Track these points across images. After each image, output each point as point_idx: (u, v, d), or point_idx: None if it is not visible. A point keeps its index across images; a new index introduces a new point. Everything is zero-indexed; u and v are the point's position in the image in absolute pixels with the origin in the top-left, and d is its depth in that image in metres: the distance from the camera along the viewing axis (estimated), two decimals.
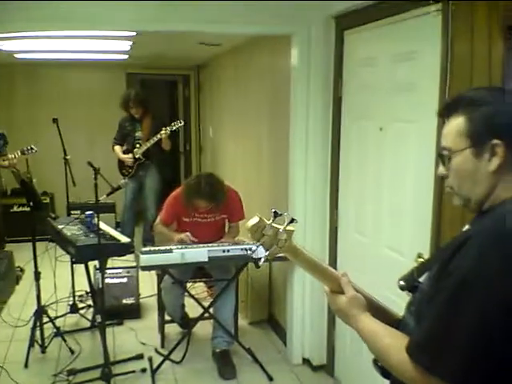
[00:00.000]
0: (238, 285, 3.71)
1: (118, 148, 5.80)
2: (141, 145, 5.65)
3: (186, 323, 3.84)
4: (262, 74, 4.33)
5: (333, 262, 3.22)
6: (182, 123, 5.58)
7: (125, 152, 5.75)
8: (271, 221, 1.21)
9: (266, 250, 1.22)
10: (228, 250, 3.27)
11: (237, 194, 3.76)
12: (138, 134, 5.73)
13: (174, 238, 3.57)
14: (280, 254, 1.26)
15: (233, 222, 3.79)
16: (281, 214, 1.23)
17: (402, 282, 1.27)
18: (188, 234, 3.51)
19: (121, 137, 5.81)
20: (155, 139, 5.51)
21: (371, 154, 2.78)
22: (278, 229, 1.21)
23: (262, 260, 1.25)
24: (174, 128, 5.49)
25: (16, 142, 5.52)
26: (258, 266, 3.37)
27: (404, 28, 2.43)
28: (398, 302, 1.39)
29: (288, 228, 1.22)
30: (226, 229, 3.86)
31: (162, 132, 5.43)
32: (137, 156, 5.65)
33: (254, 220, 1.21)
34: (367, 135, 2.81)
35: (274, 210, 1.22)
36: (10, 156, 5.19)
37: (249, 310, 4.12)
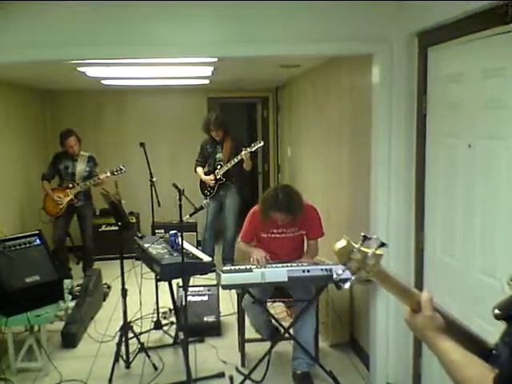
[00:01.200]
0: (318, 306, 3.66)
1: (200, 169, 6.00)
2: (222, 166, 5.80)
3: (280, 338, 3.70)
4: (341, 92, 4.31)
5: (419, 285, 3.09)
6: (262, 144, 5.66)
7: (206, 173, 5.93)
8: (359, 244, 1.18)
9: (353, 275, 1.19)
10: (308, 271, 3.24)
11: (316, 210, 3.73)
12: (219, 155, 5.89)
13: (251, 254, 3.60)
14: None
15: (311, 240, 3.76)
16: (370, 238, 1.20)
17: (497, 311, 1.18)
18: (263, 254, 3.52)
19: (203, 158, 6.01)
20: (236, 160, 5.64)
21: (460, 173, 2.67)
22: (367, 253, 1.18)
23: (348, 285, 1.22)
24: (254, 149, 5.58)
25: (104, 165, 5.86)
26: (339, 288, 3.31)
27: (493, 44, 2.34)
28: (492, 332, 1.30)
29: (377, 252, 1.19)
30: (305, 247, 3.84)
31: (243, 153, 5.54)
32: (218, 177, 5.81)
33: (342, 243, 1.19)
34: (455, 153, 2.70)
35: (363, 234, 1.20)
36: (101, 176, 5.51)
37: (329, 332, 4.05)
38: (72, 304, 4.55)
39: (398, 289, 1.27)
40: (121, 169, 5.43)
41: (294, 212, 3.46)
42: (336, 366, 3.67)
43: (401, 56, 3.11)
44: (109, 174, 5.49)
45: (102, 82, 6.06)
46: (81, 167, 5.69)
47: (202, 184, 5.97)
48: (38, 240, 4.12)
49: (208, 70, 5.23)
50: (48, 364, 3.79)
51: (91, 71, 5.07)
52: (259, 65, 5.00)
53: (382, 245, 1.19)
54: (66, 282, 4.37)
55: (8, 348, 3.74)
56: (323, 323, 4.04)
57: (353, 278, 1.19)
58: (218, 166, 5.84)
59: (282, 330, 3.54)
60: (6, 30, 2.98)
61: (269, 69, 5.32)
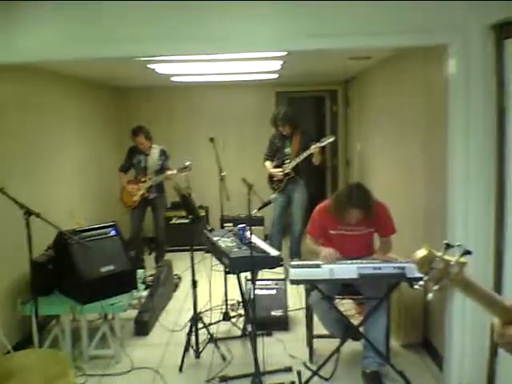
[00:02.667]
0: (389, 304, 3.56)
1: (268, 163, 6.02)
2: (290, 160, 5.78)
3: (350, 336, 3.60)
4: (414, 85, 4.16)
5: (497, 290, 2.93)
6: (333, 139, 5.58)
7: (275, 167, 5.93)
8: (442, 253, 1.13)
9: (435, 285, 1.14)
10: (379, 268, 3.16)
11: (385, 207, 3.63)
12: (288, 150, 5.87)
13: (319, 252, 3.56)
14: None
15: (384, 237, 3.67)
16: (453, 246, 1.14)
17: None
18: (332, 251, 3.47)
19: (271, 152, 6.02)
20: (305, 155, 5.61)
21: None
22: (450, 261, 1.13)
23: (419, 285, 1.17)
24: (324, 143, 5.53)
25: (175, 160, 5.99)
26: (412, 286, 3.20)
27: None
28: None
29: (461, 260, 1.13)
30: (376, 245, 3.75)
31: (312, 148, 5.51)
32: (286, 171, 5.80)
33: (422, 252, 1.14)
34: None
35: (445, 242, 1.14)
36: (168, 173, 5.66)
37: (401, 332, 3.93)
38: (145, 293, 4.71)
39: (483, 297, 1.20)
40: (186, 166, 5.55)
41: (369, 209, 3.40)
42: (407, 366, 3.56)
43: (477, 47, 2.97)
44: (175, 172, 5.62)
45: (172, 78, 6.20)
46: (153, 161, 5.85)
47: (271, 178, 5.98)
48: (113, 231, 4.28)
49: (277, 65, 5.22)
50: (120, 351, 3.94)
51: (161, 68, 5.20)
52: (328, 58, 4.93)
53: (467, 253, 1.14)
54: (139, 272, 4.52)
55: (82, 335, 3.92)
56: (395, 322, 3.94)
57: (435, 287, 1.15)
58: (287, 161, 5.83)
59: (352, 328, 3.47)
60: (81, 27, 3.10)
61: (338, 61, 5.24)
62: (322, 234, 3.69)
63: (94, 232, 4.15)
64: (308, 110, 8.89)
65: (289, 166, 5.78)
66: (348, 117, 7.45)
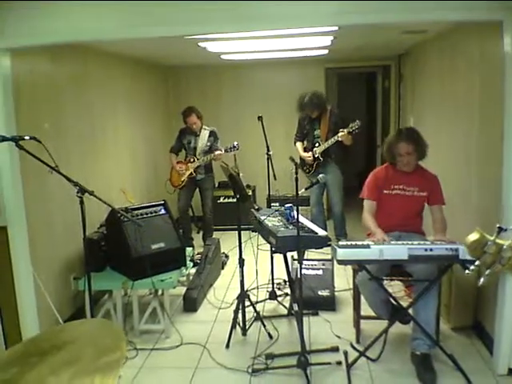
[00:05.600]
0: (440, 286, 3.47)
1: (299, 145, 6.03)
2: (319, 143, 5.75)
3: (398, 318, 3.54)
4: (471, 60, 3.98)
5: None
6: (359, 124, 5.45)
7: (305, 150, 5.91)
8: (494, 236, 1.08)
9: (487, 269, 1.09)
10: (431, 249, 3.07)
11: (436, 177, 3.70)
12: (317, 132, 5.87)
13: (373, 233, 3.55)
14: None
15: (433, 205, 3.66)
16: (505, 229, 1.09)
17: None
18: (386, 238, 3.41)
19: (301, 134, 6.01)
20: (333, 140, 5.58)
21: None
22: (502, 245, 1.07)
23: (470, 269, 1.12)
24: (352, 130, 5.43)
25: (223, 138, 6.02)
26: (465, 268, 3.10)
27: None
28: None
29: None
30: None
31: (340, 134, 5.46)
32: (316, 155, 5.77)
33: (474, 236, 1.09)
34: None
35: (498, 226, 1.09)
36: (216, 153, 5.69)
37: (451, 314, 3.84)
38: (193, 271, 4.80)
39: None
40: (234, 146, 5.56)
41: (417, 141, 3.58)
42: (457, 349, 3.48)
43: None
44: (223, 152, 5.65)
45: (222, 56, 6.19)
46: (202, 142, 5.89)
47: (302, 161, 5.94)
48: (163, 209, 4.37)
49: (327, 40, 5.11)
50: (170, 327, 4.03)
51: (211, 46, 5.19)
52: (381, 32, 4.78)
53: None
54: (188, 250, 4.60)
55: (133, 310, 4.04)
56: (445, 305, 3.84)
57: (487, 272, 1.10)
58: (316, 144, 5.80)
59: (401, 311, 3.41)
60: (134, 6, 3.13)
61: (391, 36, 5.07)
62: (378, 195, 3.73)
63: (144, 210, 4.25)
64: (358, 87, 8.71)
65: (318, 150, 5.76)
66: (401, 93, 7.23)
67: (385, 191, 3.70)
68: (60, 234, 4.17)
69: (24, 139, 2.89)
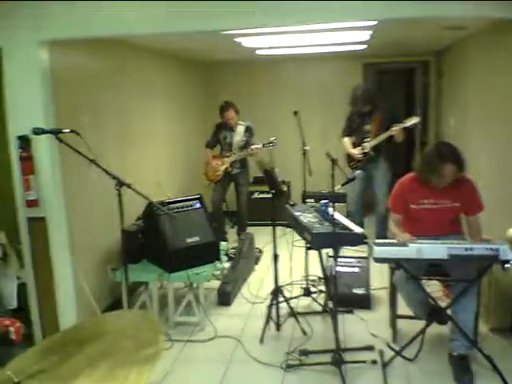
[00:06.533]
0: (479, 287, 3.38)
1: (346, 140, 5.82)
2: (369, 139, 5.57)
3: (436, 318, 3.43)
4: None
5: None
6: (417, 120, 5.26)
7: (353, 145, 5.75)
8: None
9: None
10: (471, 249, 2.99)
11: (472, 181, 3.41)
12: (367, 127, 5.65)
13: (396, 236, 3.40)
14: None
15: (470, 215, 3.43)
16: None
17: None
18: (409, 238, 3.28)
19: (350, 129, 5.82)
20: (386, 135, 5.37)
21: None
22: None
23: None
24: (408, 125, 5.24)
25: (258, 134, 6.00)
26: (504, 268, 3.01)
27: None
28: None
29: None
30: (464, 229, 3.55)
31: (394, 129, 5.26)
32: (365, 150, 5.60)
33: None
34: None
35: None
36: (253, 147, 5.68)
37: (490, 315, 3.73)
38: (227, 265, 4.82)
39: None
40: (271, 142, 5.52)
41: (462, 164, 3.21)
42: (495, 351, 3.37)
43: None
44: (260, 146, 5.62)
45: (257, 52, 6.17)
46: (238, 137, 5.90)
47: (349, 156, 5.81)
48: (198, 204, 4.40)
49: (365, 35, 5.03)
50: (204, 319, 4.06)
51: (247, 41, 5.18)
52: (421, 27, 4.67)
53: None
54: (222, 244, 4.61)
55: (168, 302, 4.09)
56: (484, 306, 3.74)
57: None
58: (366, 139, 5.62)
59: (439, 311, 3.33)
60: (170, 2, 3.14)
61: (431, 31, 4.94)
62: (404, 209, 3.53)
63: (180, 204, 4.29)
64: (397, 82, 8.54)
65: (368, 146, 5.57)
66: (441, 90, 7.06)
67: (412, 205, 3.46)
68: (98, 226, 4.25)
69: (63, 132, 2.94)
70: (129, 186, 3.09)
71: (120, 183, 3.05)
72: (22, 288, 3.84)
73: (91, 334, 1.43)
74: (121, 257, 4.07)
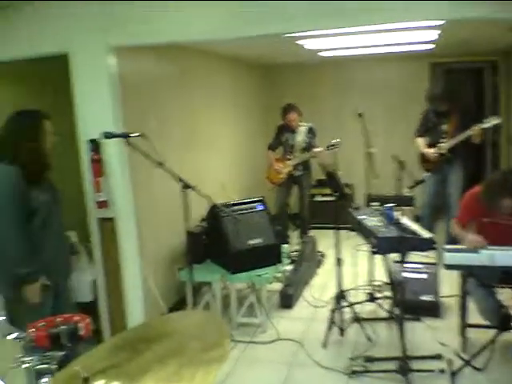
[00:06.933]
0: None
1: (420, 140, 5.58)
2: (446, 139, 5.32)
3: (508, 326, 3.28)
4: None
5: None
6: (498, 121, 4.98)
7: (428, 146, 5.52)
8: None
9: None
10: None
11: None
12: (444, 127, 5.39)
13: (464, 237, 3.26)
14: None
15: None
16: None
17: None
18: (478, 238, 3.13)
19: (424, 129, 5.57)
20: (465, 135, 5.11)
21: None
22: None
23: None
24: (488, 125, 4.97)
25: (321, 136, 5.93)
26: None
27: None
28: None
29: None
30: None
31: (475, 129, 4.99)
32: (442, 151, 5.35)
33: None
34: None
35: None
36: (315, 150, 5.62)
37: None
38: (289, 268, 4.80)
39: None
40: (333, 144, 5.43)
41: None
42: None
43: None
44: (322, 149, 5.55)
45: (319, 53, 6.12)
46: (300, 139, 5.85)
47: (422, 157, 5.59)
48: (260, 206, 4.41)
49: (433, 34, 4.86)
50: (266, 321, 4.07)
51: (309, 43, 5.15)
52: (489, 26, 4.46)
53: None
54: (285, 247, 4.60)
55: (231, 303, 4.12)
56: None
57: None
58: (443, 140, 5.37)
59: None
60: (233, 7, 3.17)
61: (499, 30, 4.71)
62: (470, 222, 3.37)
63: (243, 206, 4.32)
64: (465, 83, 8.21)
65: (445, 146, 5.32)
66: (510, 89, 6.72)
67: (480, 218, 3.30)
68: (164, 227, 4.35)
69: (132, 136, 3.03)
70: (194, 189, 3.14)
71: (185, 185, 3.10)
72: (93, 285, 4.00)
73: (159, 332, 1.45)
74: (186, 257, 4.15)
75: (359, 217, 3.84)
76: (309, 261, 5.02)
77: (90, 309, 3.66)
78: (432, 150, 5.36)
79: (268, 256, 4.20)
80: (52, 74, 4.05)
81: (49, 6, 3.44)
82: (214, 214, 4.19)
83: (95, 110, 3.52)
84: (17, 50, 3.56)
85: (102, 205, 3.60)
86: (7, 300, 2.63)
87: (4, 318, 1.80)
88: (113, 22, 3.39)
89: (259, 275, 4.03)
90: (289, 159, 5.88)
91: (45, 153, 2.71)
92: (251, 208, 4.37)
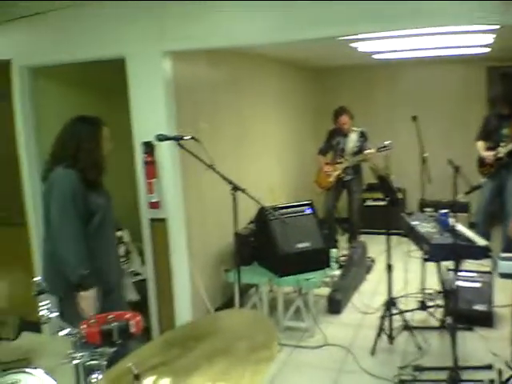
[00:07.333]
0: None
1: (480, 144, 5.38)
2: (506, 143, 5.12)
3: None
4: None
5: None
6: None
7: (488, 149, 5.33)
8: None
9: None
10: None
11: None
12: (505, 131, 5.18)
13: None
14: None
15: None
16: None
17: None
18: None
19: (485, 133, 5.38)
20: None
21: None
22: None
23: None
24: None
25: (374, 139, 5.84)
26: None
27: None
28: None
29: None
30: None
31: None
32: (500, 155, 5.14)
33: None
34: None
35: None
36: (366, 152, 5.54)
37: None
38: (337, 273, 4.74)
39: None
40: (385, 146, 5.33)
41: None
42: None
43: None
44: (373, 151, 5.46)
45: (373, 56, 6.04)
46: (351, 143, 5.79)
47: (481, 161, 5.39)
48: (309, 209, 4.38)
49: (488, 38, 4.70)
50: (313, 326, 4.04)
51: (363, 46, 5.08)
52: None
53: None
54: (333, 251, 4.55)
55: (278, 306, 4.11)
56: None
57: None
58: (502, 144, 5.16)
59: None
60: (286, 11, 3.17)
61: None
62: None
63: (291, 209, 4.30)
64: None
65: (503, 150, 5.11)
66: None
67: None
68: (212, 228, 4.40)
69: (184, 139, 3.08)
70: (243, 191, 3.15)
71: (235, 188, 3.12)
72: (143, 284, 4.09)
73: (208, 330, 1.47)
74: (233, 259, 4.17)
75: (412, 222, 3.76)
76: (358, 266, 4.95)
77: (138, 307, 3.75)
78: (490, 153, 5.17)
79: (316, 260, 4.17)
80: (106, 77, 4.18)
81: (107, 12, 3.56)
82: (263, 217, 4.20)
83: (149, 112, 3.61)
84: (77, 53, 3.69)
85: (154, 206, 3.68)
86: (60, 300, 2.71)
87: (56, 314, 1.86)
88: (168, 27, 3.46)
89: (307, 279, 4.01)
90: (339, 163, 5.82)
91: (102, 158, 2.79)
92: (300, 211, 4.35)
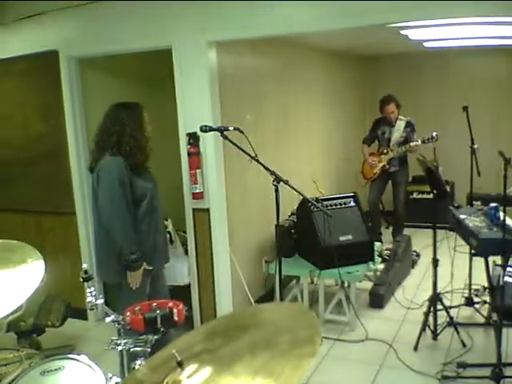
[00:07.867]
0: None
1: None
2: None
3: None
4: None
5: None
6: None
7: None
8: None
9: None
10: None
11: None
12: None
13: None
14: None
15: None
16: None
17: None
18: None
19: None
20: None
21: None
22: None
23: None
24: None
25: (422, 129, 5.69)
26: None
27: None
28: None
29: None
30: None
31: None
32: None
33: None
34: None
35: None
36: (412, 144, 5.41)
37: None
38: (381, 266, 4.68)
39: None
40: (432, 137, 5.18)
41: None
42: None
43: None
44: (419, 143, 5.32)
45: (424, 44, 5.86)
46: (397, 133, 5.66)
47: None
48: (352, 202, 4.33)
49: None
50: (355, 320, 3.99)
51: (414, 34, 4.94)
52: None
53: None
54: (377, 245, 4.49)
55: (319, 298, 4.09)
56: None
57: None
58: None
59: None
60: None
61: None
62: None
63: (334, 201, 4.27)
64: None
65: None
66: None
67: None
68: (254, 219, 4.41)
69: (228, 130, 3.08)
70: (286, 182, 3.13)
71: (278, 179, 3.10)
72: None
73: (250, 322, 1.46)
74: (274, 250, 4.18)
75: (460, 216, 3.65)
76: (402, 260, 4.86)
77: (183, 293, 3.80)
78: None
79: (359, 253, 4.12)
80: (150, 68, 4.23)
81: (153, 3, 3.59)
82: (305, 209, 4.17)
83: (194, 103, 3.63)
84: (124, 44, 3.74)
85: (198, 196, 3.72)
86: (109, 285, 2.80)
87: (102, 301, 1.91)
88: (212, 17, 3.46)
89: (349, 272, 3.97)
90: (384, 153, 5.71)
91: (145, 142, 2.83)
92: (343, 203, 4.30)
